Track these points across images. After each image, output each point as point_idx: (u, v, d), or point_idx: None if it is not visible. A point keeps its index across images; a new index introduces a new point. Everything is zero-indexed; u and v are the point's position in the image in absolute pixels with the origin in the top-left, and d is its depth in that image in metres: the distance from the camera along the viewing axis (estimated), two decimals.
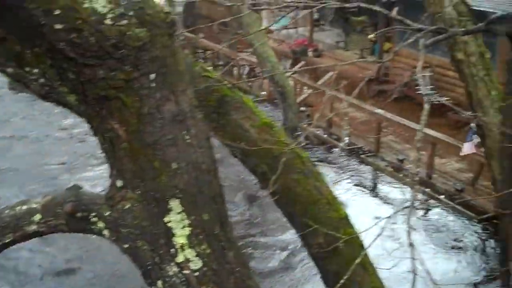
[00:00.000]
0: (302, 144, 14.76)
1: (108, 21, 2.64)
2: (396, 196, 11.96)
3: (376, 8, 3.91)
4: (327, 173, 13.21)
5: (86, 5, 2.57)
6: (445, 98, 16.10)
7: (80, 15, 2.56)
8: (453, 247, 10.49)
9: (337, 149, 14.52)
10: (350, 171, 13.62)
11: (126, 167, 3.04)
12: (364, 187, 12.99)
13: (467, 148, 11.06)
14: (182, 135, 3.07)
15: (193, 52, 19.82)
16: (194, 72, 4.30)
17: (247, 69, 19.30)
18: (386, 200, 12.21)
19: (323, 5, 4.29)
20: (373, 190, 12.87)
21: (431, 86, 16.55)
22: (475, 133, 9.91)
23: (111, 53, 2.71)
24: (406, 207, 2.99)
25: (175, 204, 3.09)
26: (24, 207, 3.46)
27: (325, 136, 15.03)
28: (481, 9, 11.68)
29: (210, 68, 16.45)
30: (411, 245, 2.96)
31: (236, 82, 17.67)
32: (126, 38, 2.71)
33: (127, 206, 3.12)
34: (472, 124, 8.25)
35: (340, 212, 4.68)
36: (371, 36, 12.51)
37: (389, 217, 3.11)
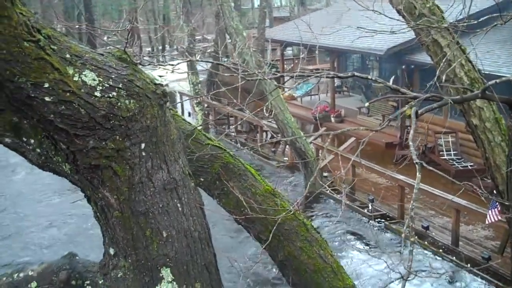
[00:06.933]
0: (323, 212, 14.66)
1: (97, 93, 2.74)
2: (422, 265, 11.63)
3: (371, 77, 3.96)
4: (351, 238, 13.03)
5: (76, 78, 2.68)
6: (470, 163, 15.95)
7: (69, 88, 2.66)
8: None
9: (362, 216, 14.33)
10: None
11: (118, 235, 3.07)
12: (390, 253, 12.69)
13: (491, 216, 10.76)
14: (174, 203, 3.10)
15: (217, 118, 20.11)
16: (197, 140, 4.36)
17: (269, 135, 19.45)
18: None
19: (339, 76, 4.36)
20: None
21: (455, 152, 16.42)
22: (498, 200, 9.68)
23: (102, 124, 2.80)
24: (398, 279, 2.91)
25: (166, 273, 3.09)
26: (21, 274, 3.49)
27: (349, 202, 14.86)
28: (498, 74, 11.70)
29: (233, 133, 16.63)
30: None
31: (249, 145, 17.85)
32: (116, 109, 2.80)
33: (119, 275, 3.13)
34: (495, 191, 8.07)
35: (345, 282, 4.57)
36: (367, 104, 12.51)
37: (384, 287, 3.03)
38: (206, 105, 21.78)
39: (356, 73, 3.83)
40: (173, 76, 22.46)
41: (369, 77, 4.00)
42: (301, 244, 4.49)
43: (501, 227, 11.33)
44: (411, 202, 3.14)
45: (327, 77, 3.96)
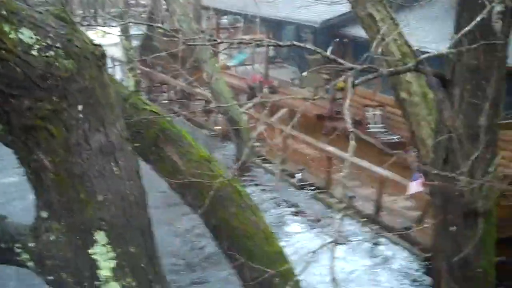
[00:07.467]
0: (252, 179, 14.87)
1: (34, 52, 2.67)
2: (346, 233, 12.07)
3: (311, 47, 4.05)
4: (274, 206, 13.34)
5: (12, 36, 2.59)
6: (396, 137, 16.53)
7: (5, 46, 2.57)
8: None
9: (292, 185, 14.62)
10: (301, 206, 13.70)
11: (52, 198, 3.03)
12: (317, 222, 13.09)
13: (413, 187, 11.26)
14: (110, 167, 3.09)
15: (150, 85, 19.83)
16: (134, 105, 4.33)
17: (202, 103, 19.37)
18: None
19: (273, 43, 4.41)
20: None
21: (382, 125, 16.97)
22: (421, 171, 10.12)
23: (38, 84, 2.73)
24: (329, 243, 3.04)
25: (100, 236, 3.08)
26: None
27: (278, 171, 15.12)
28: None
29: (166, 101, 16.46)
30: (334, 280, 3.02)
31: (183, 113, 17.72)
32: (53, 69, 2.74)
33: (52, 238, 3.09)
34: (415, 164, 8.45)
35: (275, 247, 4.71)
36: (304, 74, 12.76)
37: (314, 251, 3.16)
38: (139, 71, 21.37)
39: (295, 42, 3.89)
40: (105, 40, 21.80)
41: (309, 46, 4.08)
42: (235, 210, 4.58)
43: (422, 198, 11.89)
44: (343, 170, 3.27)
45: (268, 45, 4.01)
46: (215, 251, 10.74)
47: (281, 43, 4.31)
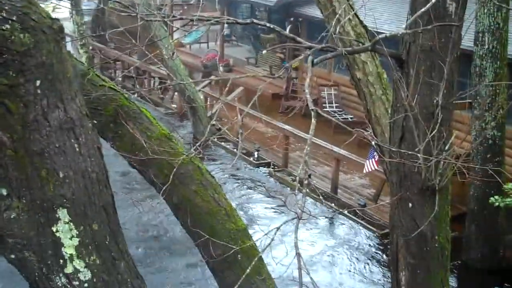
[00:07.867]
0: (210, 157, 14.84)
1: None
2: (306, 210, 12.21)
3: (270, 25, 4.02)
4: (236, 185, 13.37)
5: None
6: (350, 116, 16.75)
7: None
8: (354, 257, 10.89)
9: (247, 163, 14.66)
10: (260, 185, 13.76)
11: (11, 175, 2.95)
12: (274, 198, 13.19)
13: (369, 165, 11.44)
14: (71, 144, 3.02)
15: (103, 62, 19.42)
16: (91, 81, 4.23)
17: (157, 81, 19.12)
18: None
19: (228, 21, 4.36)
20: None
21: (336, 104, 17.15)
22: (376, 150, 10.24)
23: None
24: (293, 219, 3.06)
25: (62, 213, 3.03)
26: None
27: (235, 150, 15.13)
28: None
29: (119, 79, 16.12)
30: (298, 254, 3.04)
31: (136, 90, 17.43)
32: (9, 43, 2.65)
33: (13, 215, 3.02)
34: (373, 142, 8.58)
35: (238, 224, 4.73)
36: (264, 52, 12.74)
37: (278, 228, 3.18)
38: (91, 47, 20.89)
39: (255, 20, 3.86)
40: (55, 15, 21.12)
41: (268, 25, 4.05)
42: (196, 188, 4.56)
43: (377, 177, 12.12)
44: (306, 147, 3.27)
45: (227, 23, 3.97)
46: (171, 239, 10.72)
47: (240, 21, 4.27)
